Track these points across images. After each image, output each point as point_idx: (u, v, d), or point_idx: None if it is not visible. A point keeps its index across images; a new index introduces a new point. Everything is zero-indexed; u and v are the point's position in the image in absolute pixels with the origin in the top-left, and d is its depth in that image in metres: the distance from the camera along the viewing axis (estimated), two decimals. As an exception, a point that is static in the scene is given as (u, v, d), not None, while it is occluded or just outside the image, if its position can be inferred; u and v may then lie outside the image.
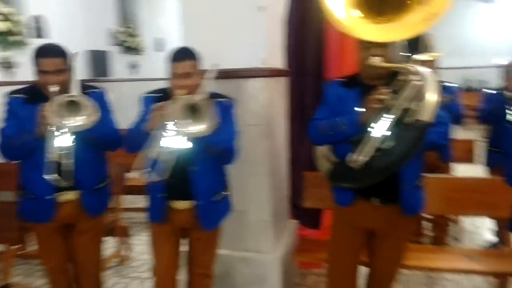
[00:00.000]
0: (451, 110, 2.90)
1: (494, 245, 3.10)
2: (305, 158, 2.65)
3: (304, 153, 2.67)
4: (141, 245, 3.31)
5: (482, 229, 3.61)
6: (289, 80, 2.71)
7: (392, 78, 1.65)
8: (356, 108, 1.66)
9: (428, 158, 3.02)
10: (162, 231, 1.93)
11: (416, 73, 1.54)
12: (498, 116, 2.98)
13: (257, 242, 2.42)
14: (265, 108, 2.31)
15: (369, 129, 1.59)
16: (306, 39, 2.70)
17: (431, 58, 2.96)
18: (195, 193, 1.83)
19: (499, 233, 3.02)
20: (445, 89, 3.00)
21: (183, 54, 1.79)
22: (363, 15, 1.65)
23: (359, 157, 1.58)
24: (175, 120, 1.65)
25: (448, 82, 3.11)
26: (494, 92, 3.12)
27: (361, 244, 1.88)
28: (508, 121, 2.89)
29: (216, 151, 1.79)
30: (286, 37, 2.66)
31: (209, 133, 1.64)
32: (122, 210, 3.14)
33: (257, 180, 2.35)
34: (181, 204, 1.86)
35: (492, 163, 3.19)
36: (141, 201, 2.46)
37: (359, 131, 1.62)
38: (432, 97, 1.48)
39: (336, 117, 1.72)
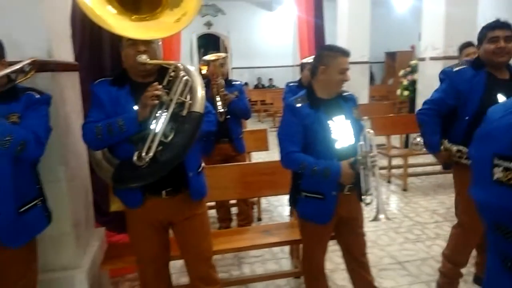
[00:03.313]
0: (240, 104, 3.25)
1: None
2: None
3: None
4: None
5: (279, 206, 4.16)
6: (81, 75, 2.48)
7: (160, 74, 1.73)
8: (135, 107, 1.66)
9: (223, 150, 3.30)
10: None
11: (184, 69, 1.66)
12: None
13: (59, 258, 2.15)
14: (55, 106, 2.05)
15: (149, 125, 1.62)
16: (96, 32, 2.52)
17: (217, 58, 3.24)
18: None
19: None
20: (233, 86, 3.32)
21: None
22: (119, 12, 1.69)
23: (144, 154, 1.58)
24: None
25: (235, 81, 3.44)
26: (296, 83, 3.58)
27: (164, 238, 1.91)
28: None
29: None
30: (72, 29, 2.42)
31: None
32: None
33: (53, 188, 2.07)
34: None
35: None
36: None
37: (139, 128, 1.63)
38: (200, 91, 1.64)
39: (111, 117, 1.67)
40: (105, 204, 2.51)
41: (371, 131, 1.91)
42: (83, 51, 2.52)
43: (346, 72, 1.91)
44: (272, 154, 6.24)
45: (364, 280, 2.11)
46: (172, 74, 1.68)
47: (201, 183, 1.90)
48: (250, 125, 9.71)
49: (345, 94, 2.02)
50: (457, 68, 2.25)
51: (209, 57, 3.30)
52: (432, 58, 5.43)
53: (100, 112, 1.72)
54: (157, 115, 1.62)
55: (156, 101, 1.61)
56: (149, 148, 1.59)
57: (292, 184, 2.08)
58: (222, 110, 3.13)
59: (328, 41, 7.01)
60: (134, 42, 1.67)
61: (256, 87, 12.95)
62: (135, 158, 1.60)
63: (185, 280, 2.51)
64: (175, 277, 2.69)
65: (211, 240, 2.00)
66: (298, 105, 1.93)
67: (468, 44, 3.66)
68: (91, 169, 2.47)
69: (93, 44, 2.57)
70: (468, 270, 2.67)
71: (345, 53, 1.93)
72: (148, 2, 1.78)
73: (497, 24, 2.11)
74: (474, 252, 2.59)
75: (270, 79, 13.06)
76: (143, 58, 1.66)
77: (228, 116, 3.19)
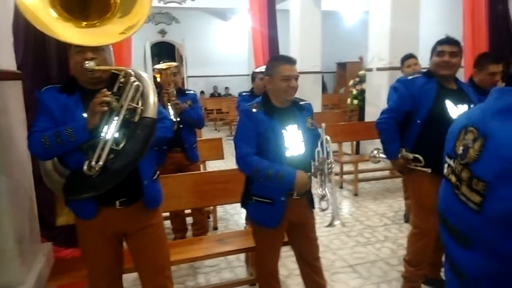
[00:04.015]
0: (193, 113, 3.25)
1: None
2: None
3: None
4: None
5: (235, 214, 4.16)
6: (24, 84, 2.38)
7: (110, 81, 1.71)
8: (85, 114, 1.62)
9: (176, 160, 3.27)
10: None
11: (135, 75, 1.66)
12: None
13: (2, 275, 2.02)
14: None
15: (99, 133, 1.59)
16: (40, 39, 2.43)
17: (168, 67, 3.24)
18: None
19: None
20: (186, 96, 3.32)
21: None
22: (65, 18, 1.66)
23: (95, 163, 1.55)
24: None
25: (188, 90, 3.45)
26: (249, 93, 3.61)
27: (118, 250, 1.87)
28: None
29: None
30: (15, 37, 2.33)
31: None
32: None
33: (-8, 203, 1.96)
34: None
35: None
36: None
37: (90, 136, 1.59)
38: (152, 96, 1.64)
39: (60, 125, 1.62)
40: (52, 217, 2.41)
41: (328, 138, 1.98)
42: (27, 59, 2.41)
43: (292, 79, 1.94)
44: (228, 162, 6.29)
45: (316, 284, 2.17)
46: (122, 80, 1.66)
47: (156, 191, 1.88)
48: (207, 133, 9.68)
49: (302, 103, 2.07)
50: (411, 77, 2.44)
51: (161, 66, 3.29)
52: (379, 69, 5.71)
53: (48, 121, 1.66)
54: (109, 122, 1.59)
55: (105, 108, 1.58)
56: (99, 156, 1.56)
57: (244, 188, 2.12)
58: (174, 119, 3.11)
59: (282, 51, 7.16)
60: (82, 49, 1.64)
61: (212, 95, 12.94)
62: (85, 167, 1.56)
63: (138, 293, 2.44)
64: (127, 290, 2.62)
65: (167, 250, 1.98)
66: (254, 110, 1.98)
67: (410, 56, 3.91)
68: (36, 181, 2.37)
69: (37, 51, 2.47)
70: (414, 270, 2.82)
71: (288, 60, 1.98)
72: (97, 8, 1.75)
73: (446, 40, 2.32)
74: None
75: (226, 88, 13.10)
76: (91, 64, 1.62)
77: (181, 126, 3.18)
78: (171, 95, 3.13)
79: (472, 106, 2.29)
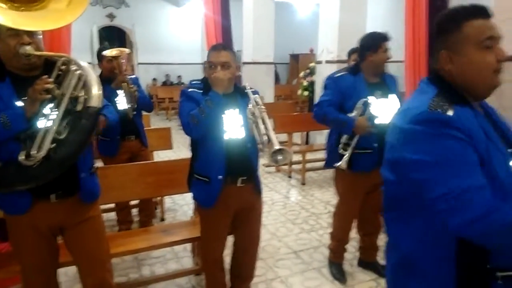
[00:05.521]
0: (144, 97, 3.22)
1: None
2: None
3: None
4: None
5: (184, 205, 4.14)
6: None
7: (45, 68, 1.64)
8: (19, 102, 1.55)
9: (131, 148, 3.23)
10: None
11: (74, 62, 1.61)
12: None
13: None
14: None
15: (39, 121, 1.53)
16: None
17: (120, 54, 3.15)
18: None
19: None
20: (130, 80, 3.25)
21: None
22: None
23: (35, 152, 1.49)
24: None
25: (129, 74, 3.36)
26: (199, 82, 3.54)
27: (53, 245, 1.81)
28: None
29: None
30: None
31: None
32: None
33: None
34: None
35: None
36: None
37: (27, 125, 1.53)
38: (96, 85, 1.59)
39: None
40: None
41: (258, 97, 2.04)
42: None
43: (216, 66, 1.95)
44: (178, 152, 6.22)
45: (242, 276, 2.29)
46: (63, 67, 1.60)
47: (94, 185, 1.83)
48: (158, 122, 9.49)
49: (247, 90, 2.08)
50: (338, 74, 2.56)
51: (110, 52, 3.18)
52: (328, 61, 5.86)
53: None
54: (46, 110, 1.53)
55: (47, 96, 1.52)
56: (40, 146, 1.49)
57: (189, 168, 2.14)
58: (130, 106, 3.10)
59: (235, 40, 7.15)
60: (17, 33, 1.55)
61: (165, 84, 12.64)
62: (22, 157, 1.49)
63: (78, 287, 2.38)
64: (68, 285, 2.55)
65: (107, 243, 1.94)
66: (190, 90, 2.02)
67: (355, 50, 4.05)
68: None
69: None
70: (354, 255, 2.97)
71: (214, 47, 2.02)
72: None
73: (387, 37, 2.45)
74: (358, 238, 2.90)
75: (179, 76, 12.85)
76: (28, 49, 1.55)
77: (134, 112, 3.16)
78: (128, 83, 3.09)
79: (392, 96, 2.46)
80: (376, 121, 2.41)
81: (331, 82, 2.55)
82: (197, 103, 1.95)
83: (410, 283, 1.15)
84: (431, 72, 1.18)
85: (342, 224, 2.72)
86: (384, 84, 2.51)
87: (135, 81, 3.27)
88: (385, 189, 1.19)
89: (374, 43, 2.44)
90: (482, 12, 1.08)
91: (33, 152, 1.49)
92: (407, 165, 1.04)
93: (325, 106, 2.49)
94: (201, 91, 2.01)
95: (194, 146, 2.09)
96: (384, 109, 2.43)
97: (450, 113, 1.00)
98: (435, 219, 1.02)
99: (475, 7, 1.08)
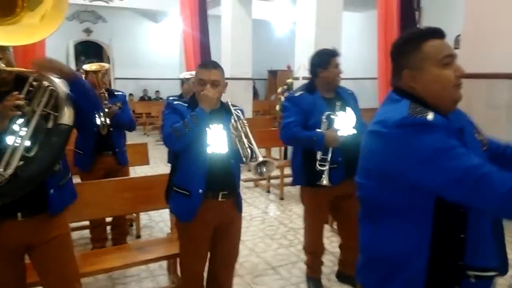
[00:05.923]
0: (124, 116, 3.20)
1: None
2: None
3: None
4: None
5: (161, 222, 4.07)
6: None
7: (16, 84, 1.62)
8: None
9: (106, 164, 3.18)
10: None
11: (46, 78, 1.59)
12: None
13: None
14: None
15: (8, 138, 1.50)
16: None
17: (100, 69, 3.14)
18: None
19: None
20: (115, 97, 3.25)
21: None
22: None
23: (1, 170, 1.45)
24: None
25: (117, 91, 3.36)
26: (176, 98, 3.54)
27: (19, 266, 1.75)
28: None
29: None
30: None
31: None
32: None
33: None
34: None
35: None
36: None
37: None
38: (68, 102, 1.57)
39: None
40: None
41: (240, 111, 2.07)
42: None
43: (206, 84, 1.97)
44: (155, 168, 6.15)
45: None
46: (35, 83, 1.58)
47: (64, 200, 1.77)
48: (136, 138, 9.35)
49: (234, 108, 2.09)
50: (297, 94, 2.60)
51: (90, 66, 3.15)
52: (304, 78, 5.94)
53: None
54: (15, 127, 1.50)
55: (18, 112, 1.49)
56: (8, 163, 1.45)
57: (168, 181, 2.12)
58: (105, 123, 3.04)
59: (214, 56, 7.18)
60: None
61: (142, 99, 12.54)
62: None
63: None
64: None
65: (76, 262, 1.88)
66: (176, 102, 2.04)
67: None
68: None
69: None
70: (332, 269, 2.98)
71: (204, 65, 2.04)
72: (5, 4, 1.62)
73: (336, 53, 2.52)
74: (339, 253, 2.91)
75: (157, 92, 12.78)
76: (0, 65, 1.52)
77: (111, 129, 3.12)
78: (103, 98, 3.06)
79: (348, 110, 2.51)
80: (339, 134, 2.42)
81: (291, 103, 2.57)
82: (182, 116, 1.96)
83: (375, 277, 1.19)
84: (395, 89, 1.23)
85: (310, 236, 2.75)
86: (340, 98, 2.56)
87: (122, 99, 3.24)
88: (361, 195, 1.22)
89: (324, 60, 2.50)
90: (438, 33, 1.16)
91: (0, 170, 1.45)
92: (402, 166, 1.07)
93: (292, 127, 2.50)
94: (186, 105, 2.02)
95: (175, 158, 2.08)
96: (344, 122, 2.48)
97: (430, 117, 1.06)
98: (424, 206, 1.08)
99: (431, 29, 1.17)
